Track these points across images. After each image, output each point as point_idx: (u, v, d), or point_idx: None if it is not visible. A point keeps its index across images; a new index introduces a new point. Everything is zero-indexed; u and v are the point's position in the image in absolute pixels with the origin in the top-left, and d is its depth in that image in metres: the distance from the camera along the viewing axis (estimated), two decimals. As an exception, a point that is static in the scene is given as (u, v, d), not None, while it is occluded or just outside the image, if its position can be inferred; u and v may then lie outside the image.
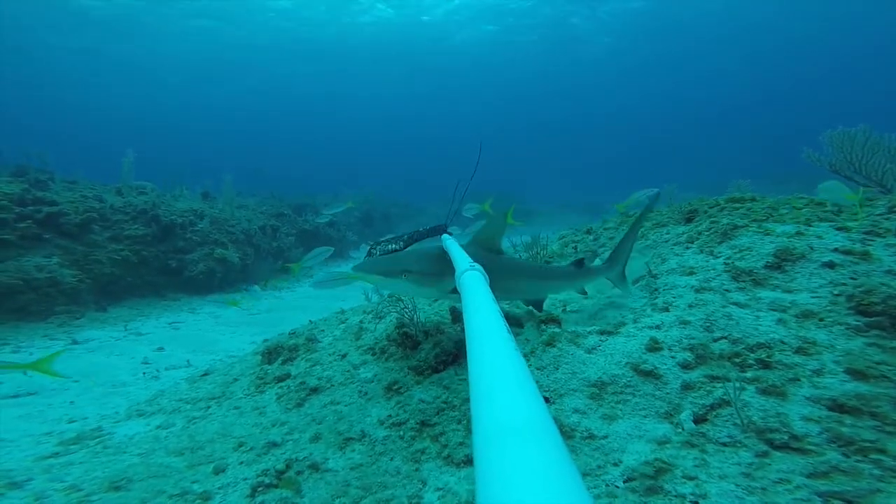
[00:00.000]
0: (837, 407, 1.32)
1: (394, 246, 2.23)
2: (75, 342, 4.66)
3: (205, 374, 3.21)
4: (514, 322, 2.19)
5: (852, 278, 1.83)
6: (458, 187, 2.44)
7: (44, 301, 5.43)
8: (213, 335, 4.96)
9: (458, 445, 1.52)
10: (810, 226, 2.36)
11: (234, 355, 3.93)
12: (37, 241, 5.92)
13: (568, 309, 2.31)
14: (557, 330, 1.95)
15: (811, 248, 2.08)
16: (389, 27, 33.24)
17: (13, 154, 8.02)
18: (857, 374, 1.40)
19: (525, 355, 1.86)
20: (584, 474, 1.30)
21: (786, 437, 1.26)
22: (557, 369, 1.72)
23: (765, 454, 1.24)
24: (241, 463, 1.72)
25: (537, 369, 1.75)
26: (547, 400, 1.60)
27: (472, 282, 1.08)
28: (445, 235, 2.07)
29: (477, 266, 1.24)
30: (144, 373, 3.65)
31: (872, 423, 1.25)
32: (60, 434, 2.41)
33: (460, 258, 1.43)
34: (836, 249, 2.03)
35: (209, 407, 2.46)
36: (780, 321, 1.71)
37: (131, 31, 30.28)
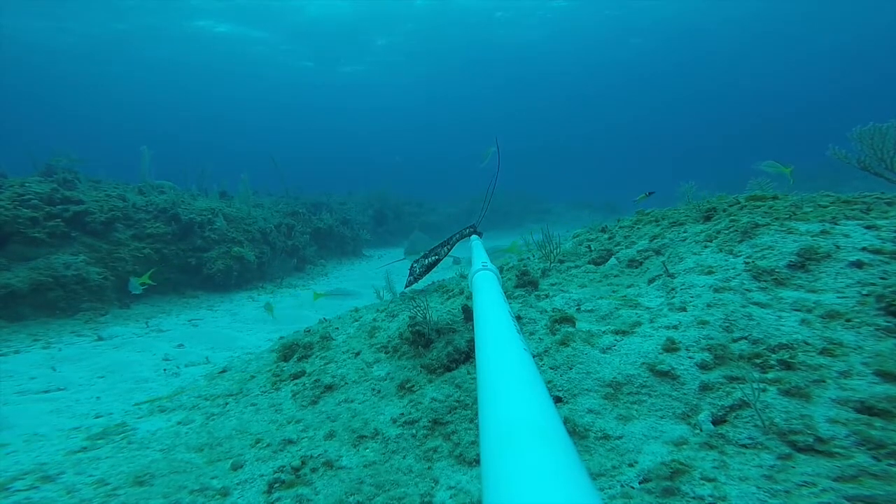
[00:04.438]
0: (866, 409, 1.27)
1: (434, 258, 2.26)
2: (100, 338, 4.82)
3: (223, 371, 3.28)
4: (527, 321, 2.17)
5: (882, 278, 1.76)
6: (487, 191, 2.46)
7: (71, 298, 5.64)
8: (230, 332, 5.07)
9: (470, 444, 1.52)
10: (836, 224, 2.28)
11: (251, 352, 4.01)
12: (65, 240, 6.14)
13: (582, 308, 2.28)
14: (571, 329, 1.93)
15: (837, 246, 2.01)
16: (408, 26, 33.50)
17: (42, 153, 8.31)
18: (887, 377, 1.35)
19: (539, 355, 1.84)
20: (599, 475, 1.29)
21: (810, 440, 1.22)
22: (571, 369, 1.70)
23: (788, 456, 1.20)
24: (258, 459, 1.76)
25: (551, 369, 1.73)
26: (559, 400, 1.58)
27: (483, 281, 1.10)
28: (474, 236, 2.13)
29: (490, 266, 1.25)
30: (165, 369, 3.75)
31: (904, 427, 1.20)
32: (88, 429, 2.49)
33: (476, 258, 1.47)
34: (864, 248, 1.95)
35: (227, 404, 2.51)
36: (803, 322, 1.65)
37: (157, 34, 31.18)
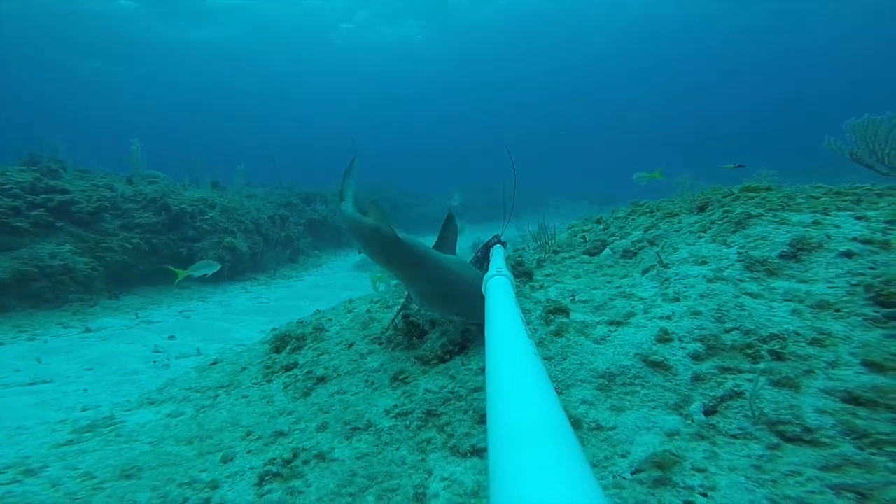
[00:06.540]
0: (852, 399, 1.28)
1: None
2: (88, 330, 4.75)
3: (214, 363, 3.24)
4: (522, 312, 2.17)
5: (871, 268, 1.77)
6: (505, 196, 2.48)
7: (57, 289, 5.54)
8: (222, 323, 5.03)
9: (464, 436, 1.52)
10: (828, 215, 2.29)
11: (243, 344, 3.98)
12: (50, 229, 6.01)
13: (577, 299, 2.28)
14: (566, 320, 1.93)
15: (828, 237, 2.02)
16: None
17: (29, 146, 8.14)
18: (873, 367, 1.37)
19: (532, 346, 1.84)
20: (592, 466, 1.29)
21: (798, 430, 1.23)
22: (565, 360, 1.70)
23: (776, 446, 1.21)
24: (249, 452, 1.74)
25: (545, 359, 1.73)
26: (553, 391, 1.59)
27: (497, 286, 1.16)
28: (497, 245, 2.24)
29: (504, 272, 1.31)
30: (155, 361, 3.71)
31: (889, 415, 1.22)
32: (74, 422, 2.46)
33: (493, 264, 1.55)
34: (854, 239, 1.97)
35: (218, 396, 2.49)
36: (794, 312, 1.66)
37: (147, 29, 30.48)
